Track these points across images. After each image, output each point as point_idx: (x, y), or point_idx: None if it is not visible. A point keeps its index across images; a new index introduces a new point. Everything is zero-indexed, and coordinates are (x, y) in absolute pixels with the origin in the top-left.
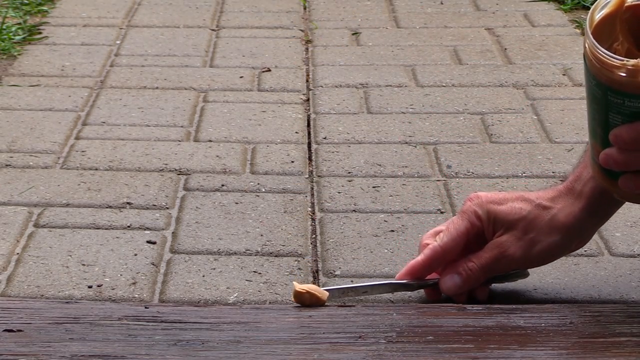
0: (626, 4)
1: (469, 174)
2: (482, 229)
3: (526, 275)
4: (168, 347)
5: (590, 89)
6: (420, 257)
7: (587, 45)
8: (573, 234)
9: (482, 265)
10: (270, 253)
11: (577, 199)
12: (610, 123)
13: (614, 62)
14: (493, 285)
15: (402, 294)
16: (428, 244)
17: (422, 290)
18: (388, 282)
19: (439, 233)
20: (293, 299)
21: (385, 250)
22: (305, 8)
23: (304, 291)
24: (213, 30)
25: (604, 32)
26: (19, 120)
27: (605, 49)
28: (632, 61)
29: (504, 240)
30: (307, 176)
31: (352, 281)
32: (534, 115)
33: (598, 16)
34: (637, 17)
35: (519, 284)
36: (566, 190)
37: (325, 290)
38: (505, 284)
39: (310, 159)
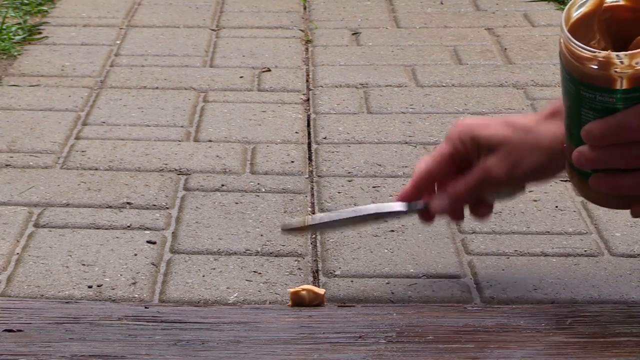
0: (605, 4)
1: None
2: (467, 154)
3: (515, 195)
4: (168, 347)
5: (564, 86)
6: (407, 183)
7: (561, 40)
8: (557, 155)
9: (468, 185)
10: (270, 253)
11: (562, 121)
12: (583, 120)
13: (585, 54)
14: (494, 284)
15: (403, 294)
16: None
17: (422, 290)
18: (376, 212)
19: None
20: (290, 303)
21: (385, 250)
22: (305, 8)
23: (300, 289)
24: (213, 30)
25: (580, 30)
26: (19, 120)
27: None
28: (603, 53)
29: (488, 162)
30: (307, 176)
31: (351, 281)
32: None
33: (576, 14)
34: (616, 18)
35: (519, 284)
36: (551, 114)
37: (309, 221)
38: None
39: (310, 159)
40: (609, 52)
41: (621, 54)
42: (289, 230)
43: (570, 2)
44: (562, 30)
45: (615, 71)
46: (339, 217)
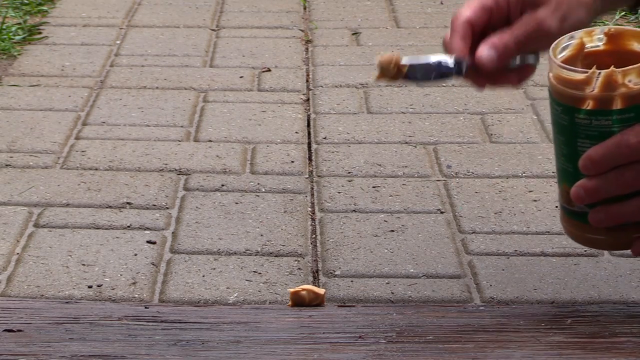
0: (585, 50)
1: (469, 174)
2: (506, 12)
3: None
4: (168, 347)
5: (556, 122)
6: (454, 36)
7: (551, 74)
8: (593, 12)
9: (517, 38)
10: (270, 253)
11: None
12: (579, 152)
13: (579, 76)
14: (494, 284)
15: (403, 294)
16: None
17: (422, 290)
18: (437, 62)
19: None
20: (290, 303)
21: (385, 250)
22: (305, 8)
23: (300, 289)
24: (213, 30)
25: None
26: (19, 120)
27: None
28: (596, 71)
29: (539, 14)
30: (307, 176)
31: (351, 281)
32: (534, 115)
33: (559, 57)
34: (598, 63)
35: (519, 284)
36: None
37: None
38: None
39: (310, 159)
40: (593, 69)
41: (617, 70)
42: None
43: (553, 45)
44: (551, 62)
45: (612, 91)
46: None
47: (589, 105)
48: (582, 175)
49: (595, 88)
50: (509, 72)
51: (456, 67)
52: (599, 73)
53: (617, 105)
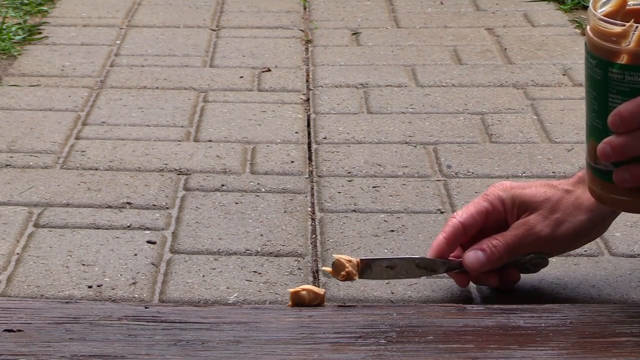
0: (627, 7)
1: (469, 174)
2: (503, 214)
3: (546, 263)
4: (168, 347)
5: (590, 76)
6: (440, 235)
7: (589, 26)
8: (596, 217)
9: (507, 242)
10: (270, 253)
11: None
12: (610, 107)
13: (614, 29)
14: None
15: (403, 294)
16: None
17: (422, 291)
18: (413, 257)
19: None
20: (290, 303)
21: (385, 250)
22: (305, 8)
23: (300, 289)
24: (213, 30)
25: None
26: (19, 120)
27: None
28: (633, 25)
29: (530, 218)
30: (307, 176)
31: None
32: (534, 115)
33: (600, 11)
34: (638, 21)
35: (519, 284)
36: (579, 179)
37: (357, 259)
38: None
39: (310, 159)
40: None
41: None
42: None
43: None
44: (590, 14)
45: None
46: (386, 257)
47: (623, 59)
48: (611, 133)
49: (631, 42)
50: (493, 273)
51: (447, 268)
52: (637, 27)
53: None
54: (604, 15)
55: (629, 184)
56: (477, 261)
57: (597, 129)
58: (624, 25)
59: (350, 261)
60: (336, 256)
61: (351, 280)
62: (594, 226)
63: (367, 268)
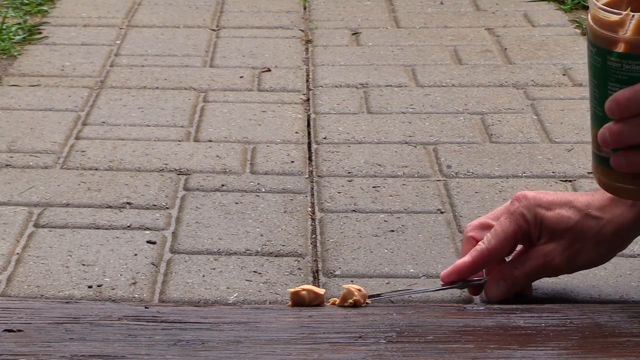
0: None
1: (469, 174)
2: (528, 231)
3: None
4: (168, 347)
5: (591, 64)
6: (467, 258)
7: (589, 13)
8: (617, 244)
9: (527, 273)
10: (270, 253)
11: (630, 209)
12: (610, 96)
13: (613, 17)
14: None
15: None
16: (472, 237)
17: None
18: (428, 290)
19: (484, 226)
20: (290, 303)
21: (385, 250)
22: (305, 8)
23: (300, 289)
24: (213, 30)
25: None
26: (19, 120)
27: None
28: (630, 14)
29: (550, 249)
30: (307, 176)
31: (351, 281)
32: (534, 115)
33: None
34: None
35: None
36: (617, 198)
37: (369, 298)
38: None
39: (310, 159)
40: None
41: None
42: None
43: None
44: (590, 2)
45: None
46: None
47: (620, 48)
48: (611, 120)
49: (628, 31)
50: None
51: (462, 285)
52: (633, 15)
53: None
54: (608, 2)
55: (625, 169)
56: (499, 292)
57: (598, 116)
58: (621, 14)
59: (360, 290)
60: (346, 286)
61: (359, 306)
62: (613, 252)
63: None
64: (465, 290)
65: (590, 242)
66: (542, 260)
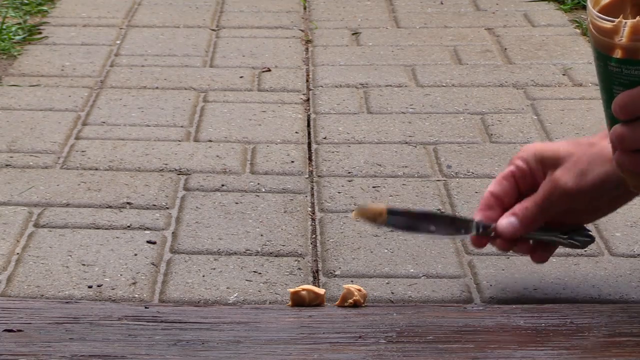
0: None
1: (469, 174)
2: (531, 175)
3: (590, 239)
4: (168, 347)
5: (596, 67)
6: (476, 211)
7: (588, 20)
8: None
9: (537, 202)
10: (270, 253)
11: None
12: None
13: (606, 24)
14: (494, 284)
15: (403, 294)
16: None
17: (422, 290)
18: (447, 214)
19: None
20: (290, 303)
21: (385, 250)
22: (305, 8)
23: (300, 289)
24: (213, 30)
25: (613, 10)
26: (19, 120)
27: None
28: (622, 21)
29: (555, 174)
30: (307, 176)
31: (351, 281)
32: (534, 115)
33: (604, 2)
34: None
35: (519, 284)
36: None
37: (385, 207)
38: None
39: (310, 159)
40: (634, 20)
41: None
42: (362, 213)
43: None
44: (587, 7)
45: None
46: (415, 210)
47: (618, 54)
48: (619, 122)
49: (623, 37)
50: (526, 242)
51: (480, 230)
52: (625, 22)
53: None
54: (609, 4)
55: (627, 167)
56: (511, 227)
57: (608, 118)
58: (614, 21)
59: (360, 290)
60: (346, 286)
61: (358, 307)
62: (619, 179)
63: (394, 215)
64: (465, 290)
65: (594, 161)
66: (549, 185)
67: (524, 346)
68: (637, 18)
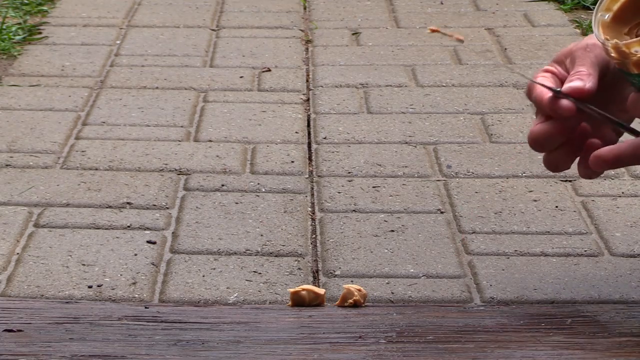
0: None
1: (469, 174)
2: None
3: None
4: (168, 347)
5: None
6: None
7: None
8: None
9: (591, 62)
10: (270, 253)
11: None
12: None
13: (599, 42)
14: (494, 284)
15: (403, 294)
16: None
17: (422, 290)
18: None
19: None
20: (290, 303)
21: (385, 250)
22: (305, 8)
23: (300, 289)
24: (213, 30)
25: (628, 12)
26: (19, 120)
27: (629, 29)
28: (612, 42)
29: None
30: (307, 176)
31: (351, 281)
32: (534, 115)
33: (606, 16)
34: None
35: (519, 284)
36: None
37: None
38: None
39: (310, 159)
40: (615, 41)
41: (620, 42)
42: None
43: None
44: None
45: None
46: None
47: (617, 66)
48: None
49: (613, 55)
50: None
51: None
52: (608, 40)
53: (633, 70)
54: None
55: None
56: (577, 84)
57: None
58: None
59: (360, 290)
60: (346, 286)
61: (358, 307)
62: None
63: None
64: (465, 290)
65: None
66: (582, 47)
67: (524, 346)
68: (614, 41)
